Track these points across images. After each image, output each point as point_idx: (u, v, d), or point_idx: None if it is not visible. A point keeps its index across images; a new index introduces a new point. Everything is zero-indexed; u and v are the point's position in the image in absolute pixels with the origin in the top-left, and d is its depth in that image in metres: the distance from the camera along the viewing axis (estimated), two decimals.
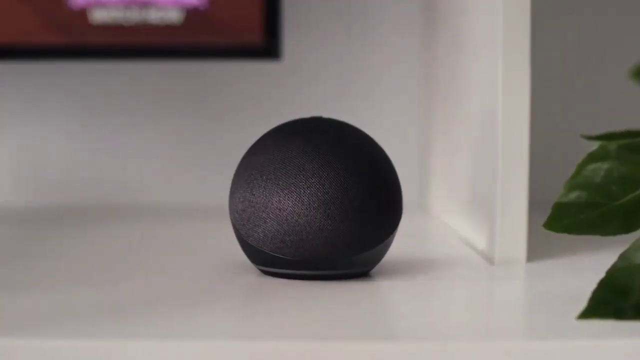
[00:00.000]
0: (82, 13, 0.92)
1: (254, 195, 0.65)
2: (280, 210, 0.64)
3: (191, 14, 0.92)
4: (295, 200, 0.63)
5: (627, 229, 0.57)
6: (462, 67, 0.86)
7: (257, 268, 0.67)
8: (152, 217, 0.98)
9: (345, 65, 1.07)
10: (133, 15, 0.92)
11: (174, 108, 1.07)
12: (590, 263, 0.73)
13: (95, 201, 1.07)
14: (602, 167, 0.57)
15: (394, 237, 0.67)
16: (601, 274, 0.56)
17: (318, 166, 0.64)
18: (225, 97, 1.07)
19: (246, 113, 1.07)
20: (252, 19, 0.91)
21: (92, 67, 1.04)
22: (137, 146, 1.07)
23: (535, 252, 0.74)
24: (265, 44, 0.92)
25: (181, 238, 0.87)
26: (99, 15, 0.92)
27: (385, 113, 1.08)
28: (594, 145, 0.57)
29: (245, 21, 0.91)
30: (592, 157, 0.57)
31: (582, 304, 0.55)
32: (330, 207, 0.63)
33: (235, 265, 0.70)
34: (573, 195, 0.58)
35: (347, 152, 0.65)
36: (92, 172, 1.07)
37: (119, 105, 1.07)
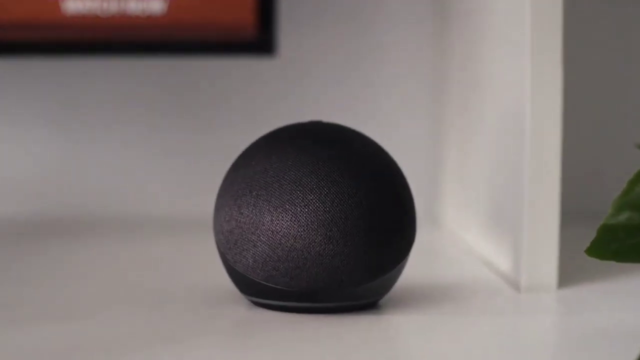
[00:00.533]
0: (54, 3, 0.83)
1: (242, 214, 0.56)
2: (272, 232, 0.55)
3: (175, 4, 0.83)
4: (291, 221, 0.55)
5: None
6: (481, 65, 0.78)
7: (247, 298, 0.59)
8: (132, 233, 0.90)
9: (348, 63, 0.99)
10: (111, 6, 0.83)
11: (157, 109, 0.99)
12: (635, 289, 0.66)
13: (70, 214, 0.98)
14: None
15: (406, 262, 0.58)
16: None
17: (317, 180, 0.55)
18: (215, 98, 0.99)
19: (237, 115, 0.99)
20: (244, 10, 0.83)
21: (66, 64, 0.95)
22: (117, 152, 0.99)
23: (567, 275, 0.67)
24: (259, 38, 0.84)
25: (162, 260, 0.79)
26: (73, 6, 0.84)
27: (392, 116, 1.00)
28: None
29: (236, 12, 0.83)
30: None
31: (632, 343, 0.48)
32: (332, 229, 0.54)
33: (222, 295, 0.62)
34: (623, 217, 0.49)
35: (352, 164, 0.56)
36: (66, 181, 0.99)
37: (96, 106, 0.99)
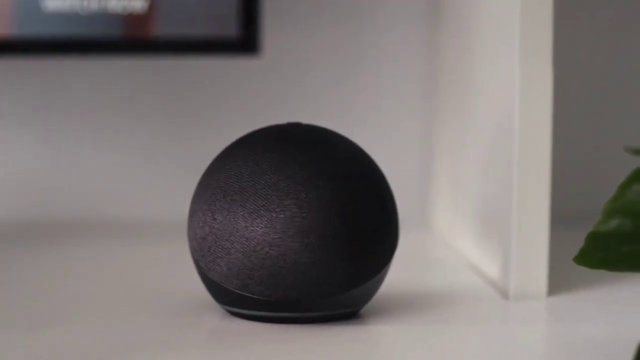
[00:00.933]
0: (34, 0, 0.81)
1: (216, 220, 0.53)
2: (247, 239, 0.52)
3: (158, 2, 0.80)
4: (266, 227, 0.52)
5: None
6: (472, 67, 0.76)
7: (222, 307, 0.56)
8: (111, 237, 0.88)
9: (336, 63, 0.96)
10: (91, 4, 0.81)
11: (139, 110, 0.96)
12: (627, 297, 0.64)
13: (46, 217, 0.95)
14: None
15: (388, 269, 0.56)
16: None
17: (294, 184, 0.53)
18: (198, 98, 0.96)
19: (221, 116, 0.96)
20: (228, 8, 0.80)
21: (45, 63, 0.93)
22: (96, 154, 0.96)
23: (558, 283, 0.64)
24: (243, 37, 0.81)
25: (139, 266, 0.76)
26: (53, 4, 0.81)
27: (382, 118, 0.97)
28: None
29: (219, 10, 0.80)
30: (639, 176, 0.46)
31: (622, 353, 0.47)
32: (309, 236, 0.52)
33: (198, 304, 0.60)
34: (613, 223, 0.47)
35: (332, 167, 0.53)
36: (43, 184, 0.96)
37: (76, 107, 0.96)
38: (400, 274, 0.66)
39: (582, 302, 0.62)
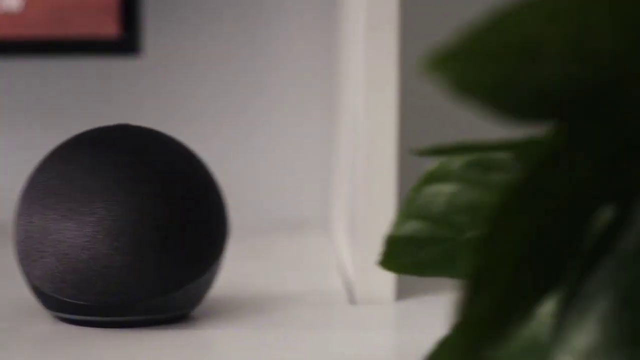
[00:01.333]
0: None
1: (32, 223, 0.53)
2: (59, 242, 0.52)
3: (33, 1, 0.79)
4: (76, 230, 0.51)
5: None
6: (343, 61, 0.75)
7: (49, 312, 0.55)
8: None
9: (226, 63, 0.93)
10: None
11: (15, 111, 0.92)
12: None
13: None
14: (443, 190, 0.45)
15: (216, 270, 0.55)
16: None
17: (104, 186, 0.52)
18: (76, 100, 0.92)
19: (101, 119, 0.92)
20: (106, 7, 0.79)
21: None
22: None
23: (407, 286, 0.63)
24: (122, 37, 0.80)
25: None
26: None
27: (282, 119, 0.94)
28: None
29: (97, 9, 0.79)
30: (430, 178, 0.45)
31: None
32: (120, 239, 0.51)
33: (30, 308, 0.58)
34: (408, 227, 0.46)
35: (148, 169, 0.52)
36: None
37: None
38: (258, 277, 0.65)
39: (434, 306, 0.60)
